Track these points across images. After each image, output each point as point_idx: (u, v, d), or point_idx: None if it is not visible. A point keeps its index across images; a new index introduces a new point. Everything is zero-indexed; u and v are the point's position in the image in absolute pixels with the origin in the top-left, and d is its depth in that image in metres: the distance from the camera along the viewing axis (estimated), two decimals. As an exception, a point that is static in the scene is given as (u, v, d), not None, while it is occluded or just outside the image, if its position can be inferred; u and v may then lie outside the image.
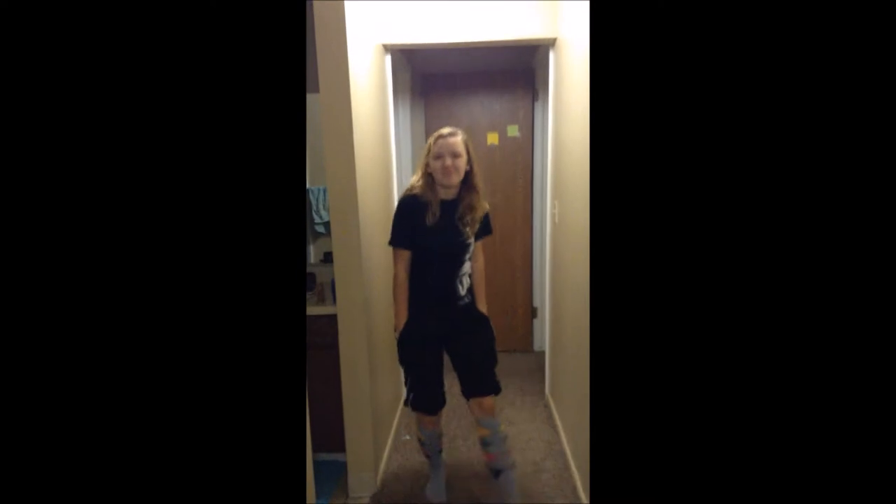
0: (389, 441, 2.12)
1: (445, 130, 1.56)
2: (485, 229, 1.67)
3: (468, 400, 1.65)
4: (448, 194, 1.59)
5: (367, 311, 1.75)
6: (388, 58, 2.26)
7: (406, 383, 1.71)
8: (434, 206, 1.56)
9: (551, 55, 2.25)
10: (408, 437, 2.21)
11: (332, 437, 1.85)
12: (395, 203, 2.44)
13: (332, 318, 1.76)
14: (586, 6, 1.55)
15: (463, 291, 1.64)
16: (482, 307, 1.70)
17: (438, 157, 1.53)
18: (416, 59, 2.97)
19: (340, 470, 1.89)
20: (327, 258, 2.15)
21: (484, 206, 1.63)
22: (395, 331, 1.65)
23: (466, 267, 1.64)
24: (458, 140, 1.55)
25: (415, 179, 1.62)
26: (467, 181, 1.59)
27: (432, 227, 1.56)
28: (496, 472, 1.64)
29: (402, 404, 2.50)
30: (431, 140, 1.57)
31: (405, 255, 1.61)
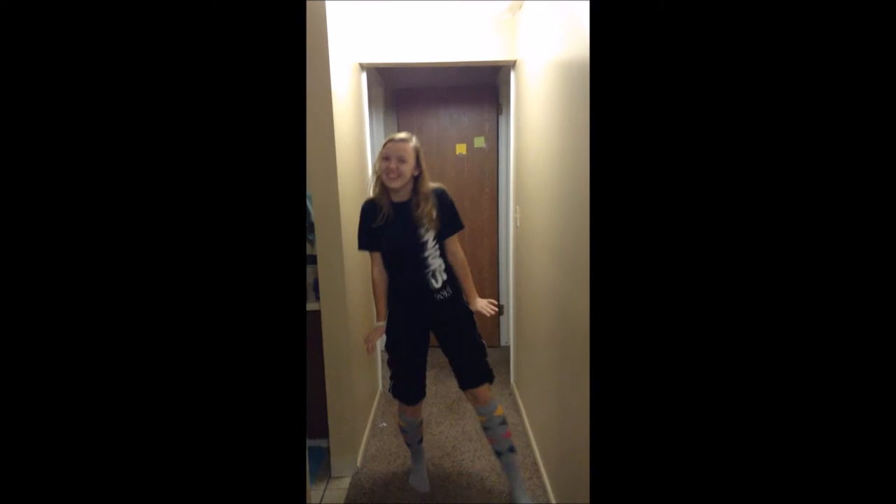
0: (368, 427, 2.29)
1: (398, 135, 1.61)
2: (452, 225, 1.68)
3: (464, 392, 1.74)
4: (400, 196, 1.64)
5: (347, 307, 1.93)
6: (364, 75, 2.45)
7: (390, 372, 1.80)
8: (384, 207, 1.63)
9: (512, 75, 2.49)
10: (384, 425, 2.38)
11: (314, 425, 2.01)
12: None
13: (314, 315, 1.93)
14: (541, 34, 1.79)
15: (438, 285, 1.67)
16: (471, 299, 1.75)
17: (385, 158, 1.58)
18: (389, 76, 3.16)
19: (322, 454, 2.05)
20: (310, 259, 2.31)
21: (431, 211, 1.62)
22: (376, 323, 1.74)
23: (436, 263, 1.66)
24: (408, 146, 1.58)
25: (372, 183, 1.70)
26: (416, 186, 1.63)
27: (388, 228, 1.63)
28: (497, 454, 1.74)
29: (377, 395, 2.67)
30: (384, 142, 1.62)
31: (376, 256, 1.71)
